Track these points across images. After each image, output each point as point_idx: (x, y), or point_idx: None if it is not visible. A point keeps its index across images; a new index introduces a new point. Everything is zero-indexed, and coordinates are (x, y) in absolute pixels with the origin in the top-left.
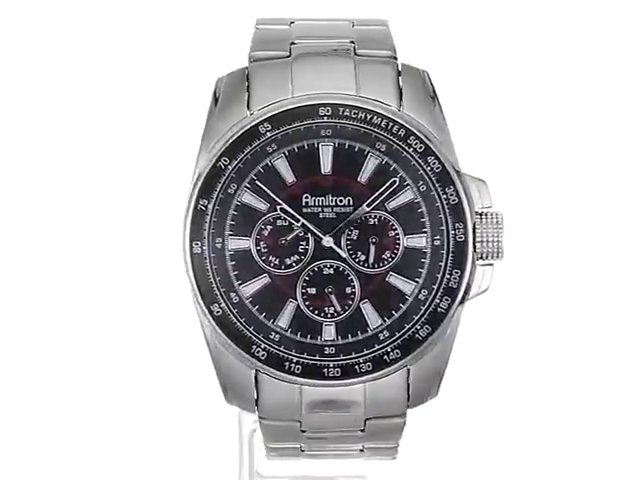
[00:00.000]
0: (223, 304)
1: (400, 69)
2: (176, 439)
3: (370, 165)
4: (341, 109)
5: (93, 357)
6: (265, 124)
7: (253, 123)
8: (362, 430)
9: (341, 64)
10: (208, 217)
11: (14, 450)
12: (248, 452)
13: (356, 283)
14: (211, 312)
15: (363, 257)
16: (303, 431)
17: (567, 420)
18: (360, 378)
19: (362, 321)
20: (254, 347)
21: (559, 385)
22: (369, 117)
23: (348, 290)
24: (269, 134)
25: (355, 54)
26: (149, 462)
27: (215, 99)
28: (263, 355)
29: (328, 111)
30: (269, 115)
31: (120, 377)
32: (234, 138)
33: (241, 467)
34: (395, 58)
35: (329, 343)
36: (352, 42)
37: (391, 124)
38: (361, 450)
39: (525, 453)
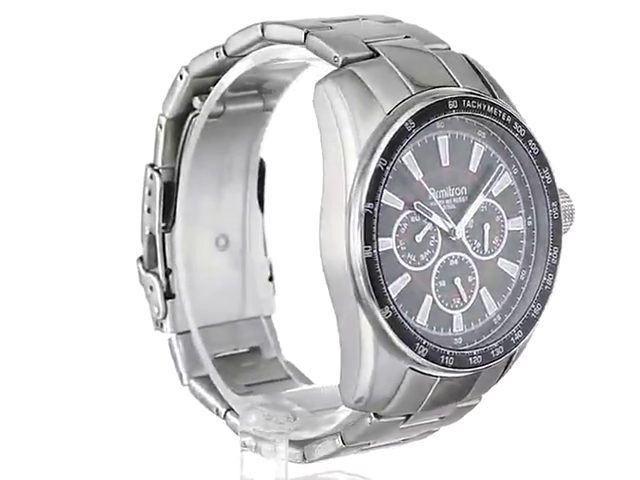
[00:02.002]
0: (392, 305)
1: (468, 59)
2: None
3: (476, 153)
4: (464, 101)
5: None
6: (410, 122)
7: (401, 122)
8: (443, 417)
9: (427, 59)
10: (375, 220)
11: None
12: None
13: (475, 271)
14: (384, 315)
15: (479, 244)
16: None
17: (581, 426)
18: (496, 362)
19: (482, 308)
20: (417, 345)
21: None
22: (484, 107)
23: (470, 279)
24: (414, 132)
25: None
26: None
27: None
28: (425, 352)
29: (455, 104)
30: (413, 113)
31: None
32: (390, 138)
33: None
34: (450, 49)
35: (458, 333)
36: (407, 37)
37: (500, 112)
38: (404, 440)
39: (525, 453)
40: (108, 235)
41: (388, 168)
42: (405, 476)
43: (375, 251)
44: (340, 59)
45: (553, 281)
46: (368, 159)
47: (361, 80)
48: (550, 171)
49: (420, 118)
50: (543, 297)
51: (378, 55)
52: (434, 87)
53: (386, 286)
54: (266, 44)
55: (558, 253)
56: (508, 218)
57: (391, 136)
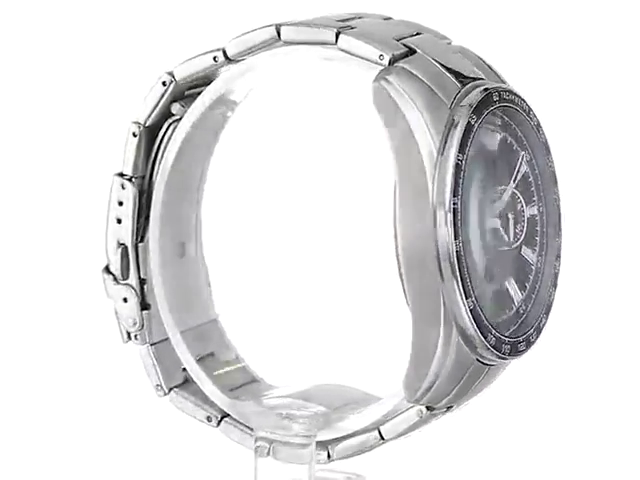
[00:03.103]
0: (474, 297)
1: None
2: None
3: (499, 142)
4: (502, 93)
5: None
6: (473, 116)
7: (466, 117)
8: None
9: (451, 54)
10: (460, 214)
11: None
12: None
13: (505, 261)
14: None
15: (506, 233)
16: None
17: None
18: (531, 347)
19: (510, 297)
20: (489, 335)
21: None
22: (514, 98)
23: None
24: (475, 125)
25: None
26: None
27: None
28: (493, 341)
29: (496, 96)
30: (473, 108)
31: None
32: (461, 133)
33: None
34: (451, 43)
35: (494, 324)
36: (418, 33)
37: (522, 102)
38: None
39: (529, 453)
40: (60, 246)
41: (464, 162)
42: (402, 474)
43: (462, 245)
44: (387, 57)
45: (559, 266)
46: (443, 155)
47: (416, 76)
48: (552, 159)
49: (478, 112)
50: (556, 282)
51: (414, 52)
52: (470, 82)
53: (470, 279)
54: (272, 47)
55: (560, 239)
56: (526, 205)
57: (463, 131)
